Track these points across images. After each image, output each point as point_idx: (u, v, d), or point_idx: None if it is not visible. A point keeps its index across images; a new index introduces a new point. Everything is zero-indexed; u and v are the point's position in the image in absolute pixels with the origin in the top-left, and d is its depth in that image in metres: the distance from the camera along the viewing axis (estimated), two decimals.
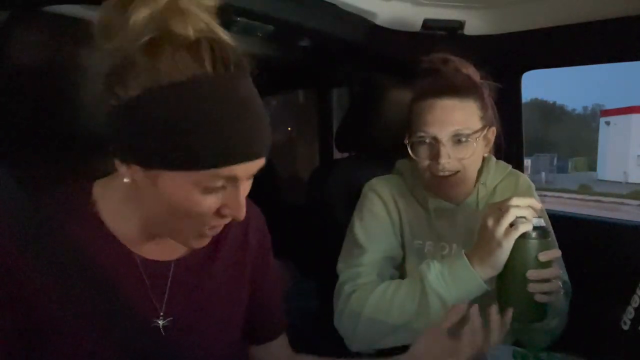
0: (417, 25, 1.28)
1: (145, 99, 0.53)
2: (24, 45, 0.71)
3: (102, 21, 0.54)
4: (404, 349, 0.91)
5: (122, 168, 0.58)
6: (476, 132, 0.94)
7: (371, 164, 1.26)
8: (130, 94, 0.53)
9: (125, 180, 0.58)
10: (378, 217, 1.01)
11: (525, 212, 0.79)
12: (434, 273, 0.84)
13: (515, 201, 0.80)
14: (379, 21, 1.27)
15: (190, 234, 0.63)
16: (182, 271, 0.70)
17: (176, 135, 0.52)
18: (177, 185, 0.56)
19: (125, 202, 0.65)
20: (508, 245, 0.78)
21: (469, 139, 0.93)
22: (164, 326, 0.67)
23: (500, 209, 0.80)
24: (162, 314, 0.68)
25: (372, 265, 0.95)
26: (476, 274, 0.81)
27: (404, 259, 1.01)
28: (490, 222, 0.81)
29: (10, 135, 0.76)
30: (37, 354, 0.61)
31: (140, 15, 0.52)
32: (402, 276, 1.00)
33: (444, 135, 0.92)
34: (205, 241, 0.65)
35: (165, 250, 0.69)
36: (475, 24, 1.27)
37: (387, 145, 1.25)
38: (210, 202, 0.58)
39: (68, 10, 0.89)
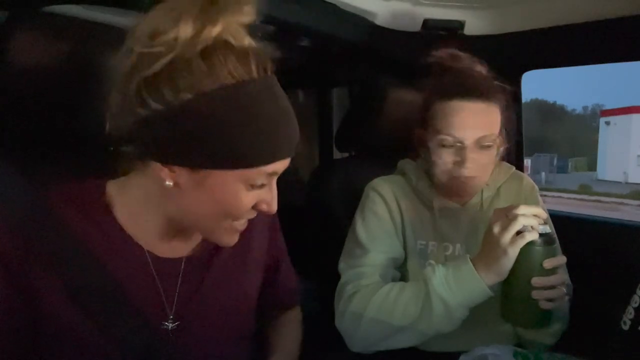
0: (417, 25, 1.28)
1: (199, 101, 0.55)
2: (24, 45, 0.71)
3: (152, 26, 0.56)
4: (404, 351, 0.92)
5: (163, 172, 0.59)
6: (498, 136, 0.93)
7: (371, 164, 1.26)
8: (181, 97, 0.55)
9: (168, 183, 0.60)
10: (380, 217, 1.00)
11: (532, 220, 0.78)
12: (439, 277, 0.84)
13: (522, 209, 0.79)
14: (379, 21, 1.27)
15: (225, 230, 0.65)
16: (192, 268, 0.71)
17: (230, 136, 0.56)
18: (226, 184, 0.59)
19: (146, 202, 0.66)
20: (514, 253, 0.78)
21: (492, 144, 0.92)
22: (172, 329, 0.68)
23: (507, 216, 0.80)
24: (171, 316, 0.68)
25: (375, 266, 0.95)
26: (481, 280, 0.81)
27: (405, 259, 1.01)
28: (496, 229, 0.80)
29: (12, 134, 0.76)
30: (45, 353, 0.62)
31: (204, 26, 0.55)
32: (404, 277, 1.00)
33: (471, 139, 0.90)
34: (236, 237, 0.68)
35: (177, 248, 0.70)
36: (475, 24, 1.27)
37: (387, 145, 1.25)
38: (252, 197, 0.62)
39: (68, 10, 0.89)
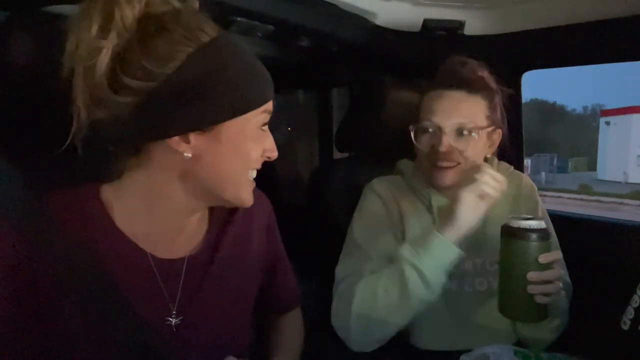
0: (417, 25, 1.28)
1: (193, 62, 0.57)
2: (24, 45, 0.71)
3: (104, 13, 0.57)
4: (404, 350, 0.92)
5: (181, 146, 0.61)
6: (480, 128, 0.95)
7: (371, 164, 1.26)
8: (174, 66, 0.57)
9: (186, 155, 0.61)
10: (377, 217, 1.01)
11: (491, 181, 0.85)
12: (407, 248, 0.87)
13: (484, 167, 0.86)
14: (379, 21, 1.27)
15: (247, 186, 0.69)
16: (193, 267, 0.71)
17: (233, 84, 0.60)
18: (241, 130, 0.63)
19: (146, 200, 0.66)
20: (466, 198, 0.84)
21: (472, 133, 0.94)
22: (176, 324, 0.68)
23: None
24: (174, 312, 0.68)
25: (372, 266, 0.95)
26: (444, 239, 0.85)
27: None
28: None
29: (11, 135, 0.76)
30: (47, 354, 0.61)
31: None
32: None
33: (448, 125, 0.94)
34: (252, 196, 0.71)
35: (178, 248, 0.70)
36: (475, 24, 1.27)
37: (387, 145, 1.25)
38: (260, 142, 0.66)
39: (68, 10, 0.88)
